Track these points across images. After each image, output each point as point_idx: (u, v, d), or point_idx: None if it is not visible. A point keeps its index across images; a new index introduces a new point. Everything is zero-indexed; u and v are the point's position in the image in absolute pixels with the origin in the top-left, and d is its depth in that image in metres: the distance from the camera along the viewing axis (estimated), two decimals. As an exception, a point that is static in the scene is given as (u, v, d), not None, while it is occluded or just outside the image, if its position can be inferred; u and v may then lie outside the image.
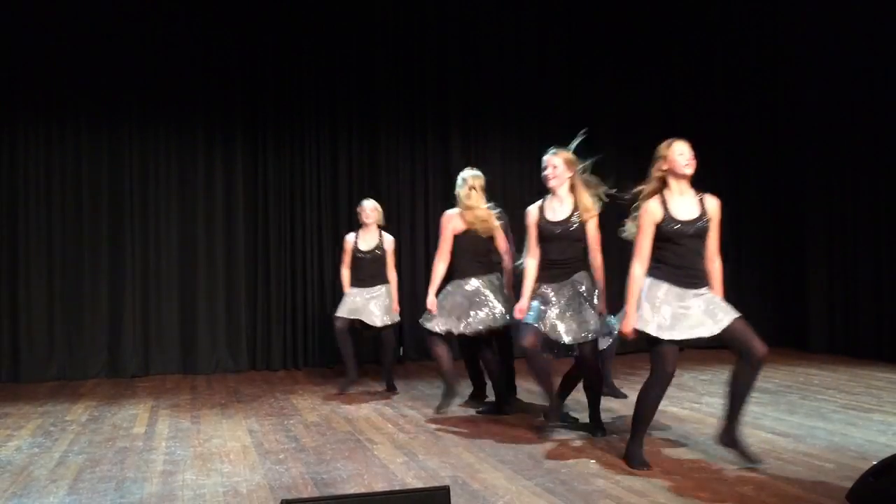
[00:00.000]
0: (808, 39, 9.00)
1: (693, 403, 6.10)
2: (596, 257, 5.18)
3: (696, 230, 4.32)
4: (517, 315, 5.07)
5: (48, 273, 7.72)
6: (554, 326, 4.91)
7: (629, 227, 4.58)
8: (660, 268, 4.27)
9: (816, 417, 5.53)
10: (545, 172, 5.25)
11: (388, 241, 6.90)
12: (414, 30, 8.78)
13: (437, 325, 5.62)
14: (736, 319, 4.22)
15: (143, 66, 7.97)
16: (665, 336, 4.15)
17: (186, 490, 4.02)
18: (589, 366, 5.02)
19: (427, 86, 8.82)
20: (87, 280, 7.81)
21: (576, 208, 5.16)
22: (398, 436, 5.14)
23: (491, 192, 8.77)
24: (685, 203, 4.38)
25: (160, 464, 4.53)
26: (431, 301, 5.67)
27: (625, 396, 6.22)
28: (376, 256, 6.79)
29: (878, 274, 8.32)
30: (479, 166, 8.95)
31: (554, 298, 4.99)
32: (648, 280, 4.27)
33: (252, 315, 8.23)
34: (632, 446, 4.33)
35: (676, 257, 4.26)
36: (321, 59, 8.45)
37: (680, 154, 4.45)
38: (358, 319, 6.69)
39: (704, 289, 4.31)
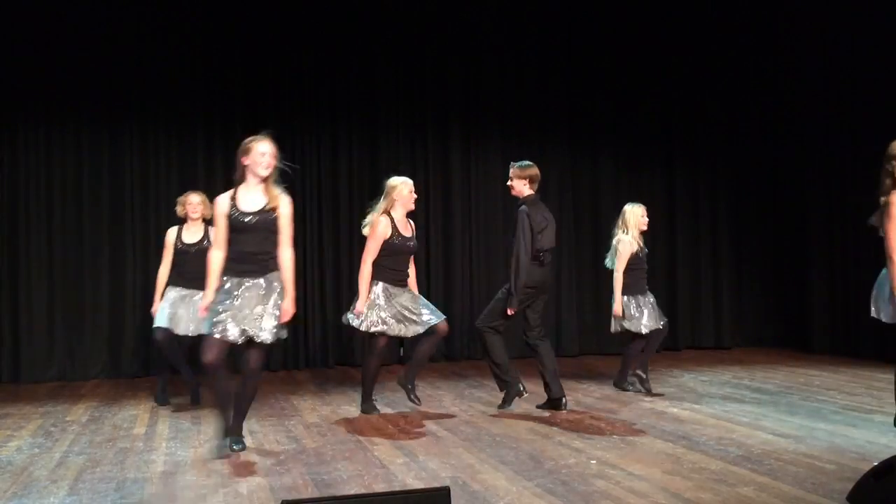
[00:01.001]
0: (809, 40, 9.01)
1: (693, 404, 6.10)
2: None
3: None
4: None
5: (49, 273, 7.72)
6: None
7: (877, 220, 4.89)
8: None
9: (817, 418, 5.52)
10: None
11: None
12: (414, 30, 8.78)
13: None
14: None
15: (144, 66, 7.97)
16: None
17: (187, 491, 4.01)
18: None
19: (427, 86, 8.82)
20: (88, 280, 7.81)
21: None
22: (398, 436, 5.13)
23: (491, 193, 8.87)
24: None
25: (160, 464, 4.53)
26: None
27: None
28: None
29: (879, 274, 8.31)
30: (478, 166, 9.03)
31: None
32: None
33: (252, 315, 8.21)
34: None
35: None
36: (322, 60, 8.45)
37: None
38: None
39: None
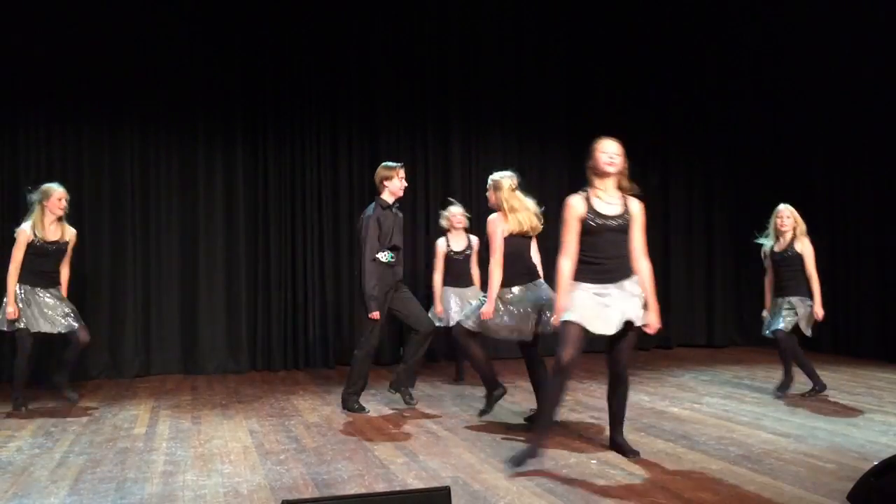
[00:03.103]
0: (811, 36, 9.01)
1: (693, 404, 6.10)
2: None
3: None
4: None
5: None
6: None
7: None
8: None
9: (817, 418, 5.53)
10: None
11: (474, 241, 7.27)
12: (414, 30, 8.78)
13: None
14: None
15: (144, 66, 7.97)
16: None
17: (187, 491, 4.01)
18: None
19: (427, 86, 8.82)
20: (89, 281, 7.80)
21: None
22: (399, 436, 5.13)
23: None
24: None
25: (161, 464, 4.53)
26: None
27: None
28: (466, 257, 7.19)
29: (881, 275, 8.33)
30: (478, 166, 9.04)
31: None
32: None
33: (253, 315, 8.23)
34: None
35: None
36: (322, 59, 8.45)
37: None
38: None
39: None
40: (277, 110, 8.32)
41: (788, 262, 6.27)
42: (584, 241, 4.36)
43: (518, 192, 5.36)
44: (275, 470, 4.35)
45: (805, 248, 6.24)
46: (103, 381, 7.65)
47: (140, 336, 7.92)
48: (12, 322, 6.01)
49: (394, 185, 5.88)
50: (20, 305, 6.03)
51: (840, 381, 7.00)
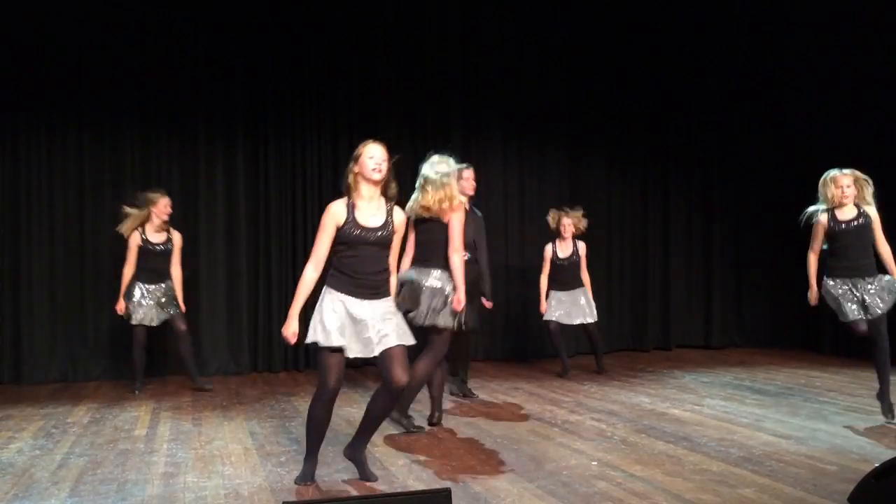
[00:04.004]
0: (809, 39, 9.01)
1: (694, 405, 6.10)
2: None
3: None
4: None
5: (50, 275, 7.72)
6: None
7: None
8: None
9: (818, 419, 5.52)
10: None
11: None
12: (415, 31, 8.78)
13: None
14: None
15: (145, 67, 7.96)
16: None
17: (188, 492, 4.02)
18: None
19: (428, 87, 8.81)
20: (89, 282, 7.81)
21: None
22: (399, 438, 5.13)
23: (491, 191, 8.87)
24: None
25: (161, 466, 4.53)
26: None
27: None
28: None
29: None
30: (479, 166, 9.01)
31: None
32: None
33: (254, 317, 8.23)
34: None
35: None
36: (322, 61, 8.45)
37: None
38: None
39: None
40: (278, 111, 8.31)
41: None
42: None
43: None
44: (275, 472, 4.35)
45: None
46: (104, 382, 7.65)
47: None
48: (129, 316, 6.89)
49: (460, 186, 5.80)
50: (135, 301, 6.90)
51: (841, 383, 7.00)
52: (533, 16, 9.17)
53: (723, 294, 9.78)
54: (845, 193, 5.40)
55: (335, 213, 4.18)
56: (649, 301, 9.50)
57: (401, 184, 9.08)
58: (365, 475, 4.15)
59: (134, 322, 6.92)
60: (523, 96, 9.09)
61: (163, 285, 6.99)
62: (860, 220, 5.38)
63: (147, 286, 6.95)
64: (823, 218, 5.45)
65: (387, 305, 4.08)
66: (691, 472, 4.22)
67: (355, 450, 4.23)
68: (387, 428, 5.43)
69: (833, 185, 5.44)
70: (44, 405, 6.48)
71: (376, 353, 3.98)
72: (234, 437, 5.23)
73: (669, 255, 9.57)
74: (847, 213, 5.42)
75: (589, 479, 4.13)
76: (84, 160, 7.86)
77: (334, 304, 4.02)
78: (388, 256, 4.16)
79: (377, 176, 4.22)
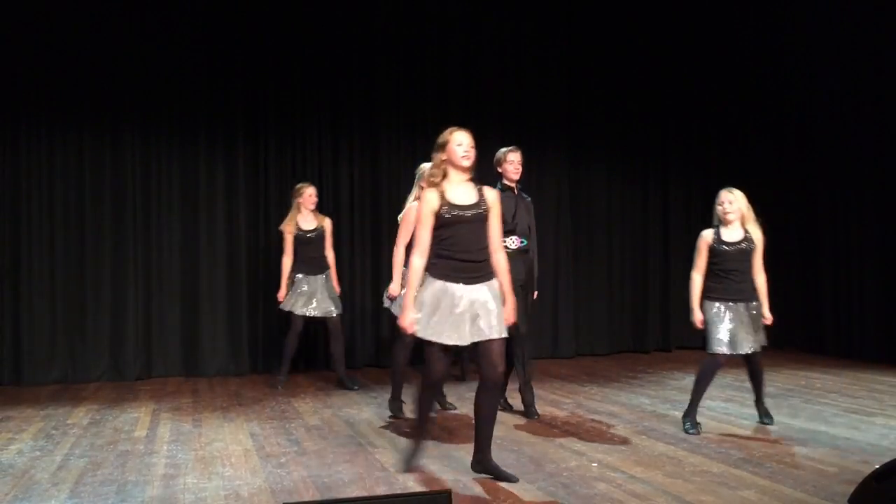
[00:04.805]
0: (813, 39, 9.01)
1: (695, 406, 6.08)
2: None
3: None
4: None
5: (50, 276, 7.71)
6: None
7: None
8: None
9: (819, 421, 5.52)
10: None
11: None
12: (415, 32, 8.77)
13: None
14: None
15: (145, 68, 7.95)
16: None
17: (188, 494, 4.01)
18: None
19: (428, 88, 8.81)
20: (89, 283, 7.80)
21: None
22: (400, 439, 5.13)
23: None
24: None
25: (161, 467, 4.53)
26: None
27: None
28: None
29: (883, 278, 8.32)
30: (479, 166, 8.99)
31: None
32: None
33: (254, 318, 8.22)
34: None
35: None
36: (323, 62, 8.44)
37: None
38: None
39: None
40: (278, 113, 8.30)
41: None
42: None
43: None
44: (276, 473, 4.34)
45: None
46: (104, 383, 7.64)
47: (141, 338, 7.91)
48: (286, 305, 7.05)
49: (504, 169, 5.74)
50: (297, 291, 7.04)
51: (842, 384, 7.00)
52: (533, 16, 9.17)
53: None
54: (726, 209, 5.36)
55: (429, 199, 4.19)
56: (650, 302, 9.49)
57: (401, 184, 9.19)
58: (505, 478, 4.14)
59: (296, 312, 7.01)
60: (523, 97, 9.09)
61: (322, 276, 7.14)
62: (744, 244, 5.34)
63: (308, 277, 7.10)
64: (708, 235, 5.43)
65: (488, 292, 4.12)
66: (692, 474, 4.22)
67: (480, 461, 4.26)
68: (387, 430, 5.43)
69: (716, 201, 5.46)
70: (44, 406, 6.47)
71: (469, 341, 4.05)
72: (235, 438, 5.23)
73: (669, 256, 9.57)
74: (733, 233, 5.37)
75: (589, 480, 4.12)
76: (84, 160, 7.86)
77: (435, 294, 4.08)
78: (486, 235, 4.19)
79: (467, 163, 4.25)
